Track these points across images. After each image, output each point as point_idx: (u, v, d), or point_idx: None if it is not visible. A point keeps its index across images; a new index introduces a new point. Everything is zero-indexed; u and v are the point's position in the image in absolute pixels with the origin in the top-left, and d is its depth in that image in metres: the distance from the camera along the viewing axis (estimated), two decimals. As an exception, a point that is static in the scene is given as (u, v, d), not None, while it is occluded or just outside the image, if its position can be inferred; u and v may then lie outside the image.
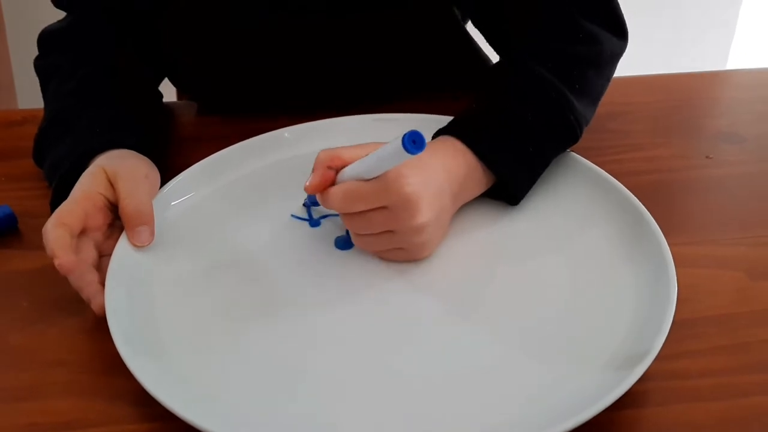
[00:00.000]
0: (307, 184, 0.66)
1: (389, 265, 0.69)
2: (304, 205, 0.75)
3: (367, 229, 0.67)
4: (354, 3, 0.85)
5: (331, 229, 0.74)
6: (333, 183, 0.67)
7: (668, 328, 0.60)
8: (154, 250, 0.70)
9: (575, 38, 0.79)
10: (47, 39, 0.86)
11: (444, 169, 0.69)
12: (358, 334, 0.64)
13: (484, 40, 0.92)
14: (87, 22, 0.86)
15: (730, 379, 0.62)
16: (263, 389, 0.60)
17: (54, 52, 0.85)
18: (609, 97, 0.81)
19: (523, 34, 0.81)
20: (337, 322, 0.65)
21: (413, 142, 0.56)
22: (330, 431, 0.58)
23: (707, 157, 0.85)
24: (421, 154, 0.57)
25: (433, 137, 0.74)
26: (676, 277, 0.64)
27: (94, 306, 0.65)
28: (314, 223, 0.74)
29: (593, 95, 0.79)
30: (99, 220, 0.69)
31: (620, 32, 0.81)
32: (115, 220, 0.71)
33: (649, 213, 0.70)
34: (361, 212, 0.66)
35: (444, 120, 0.76)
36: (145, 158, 0.74)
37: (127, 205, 0.69)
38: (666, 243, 0.67)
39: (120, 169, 0.70)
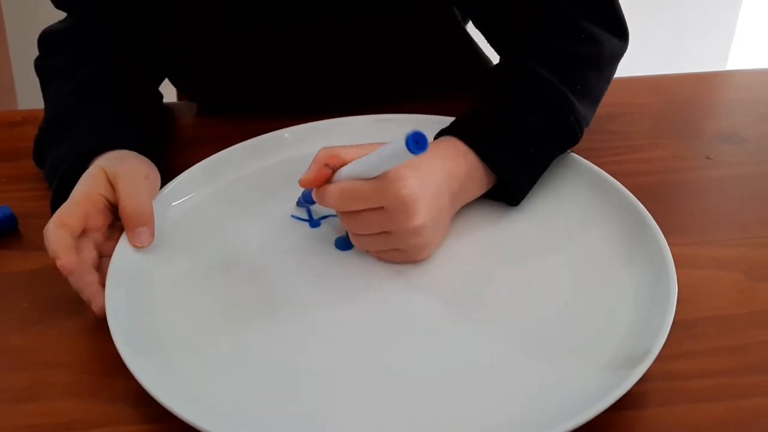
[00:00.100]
0: (302, 177, 0.66)
1: (389, 265, 0.69)
2: (297, 204, 0.75)
3: (364, 229, 0.67)
4: (354, 3, 0.85)
5: (331, 230, 0.74)
6: (328, 181, 0.67)
7: (668, 329, 0.60)
8: (154, 251, 0.70)
9: (575, 39, 0.79)
10: (47, 40, 0.86)
11: (443, 170, 0.68)
12: (358, 334, 0.64)
13: (485, 41, 0.92)
14: (87, 22, 0.86)
15: (729, 380, 0.62)
16: (263, 389, 0.60)
17: (54, 52, 0.85)
18: (609, 98, 0.81)
19: (523, 35, 0.81)
20: (337, 322, 0.65)
21: (416, 143, 0.56)
22: (330, 431, 0.58)
23: (707, 157, 0.85)
24: (421, 155, 0.57)
25: (435, 138, 0.74)
26: (676, 278, 0.64)
27: (94, 307, 0.65)
28: (314, 223, 0.74)
29: (593, 96, 0.79)
30: (99, 220, 0.69)
31: (621, 33, 0.81)
32: (116, 221, 0.71)
33: (649, 214, 0.70)
34: (358, 212, 0.66)
35: (444, 120, 0.76)
36: (146, 159, 0.74)
37: (127, 206, 0.69)
38: (666, 244, 0.67)
39: (120, 169, 0.70)
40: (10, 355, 0.65)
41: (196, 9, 0.85)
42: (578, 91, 0.76)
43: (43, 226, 0.66)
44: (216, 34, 0.87)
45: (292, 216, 0.75)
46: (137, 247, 0.69)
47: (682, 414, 0.60)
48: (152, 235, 0.70)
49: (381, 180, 0.63)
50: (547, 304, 0.66)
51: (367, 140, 0.68)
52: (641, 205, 0.71)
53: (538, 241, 0.72)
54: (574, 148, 0.78)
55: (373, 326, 0.65)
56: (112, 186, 0.70)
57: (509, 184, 0.73)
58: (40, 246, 0.66)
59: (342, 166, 0.66)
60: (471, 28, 0.94)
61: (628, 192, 0.73)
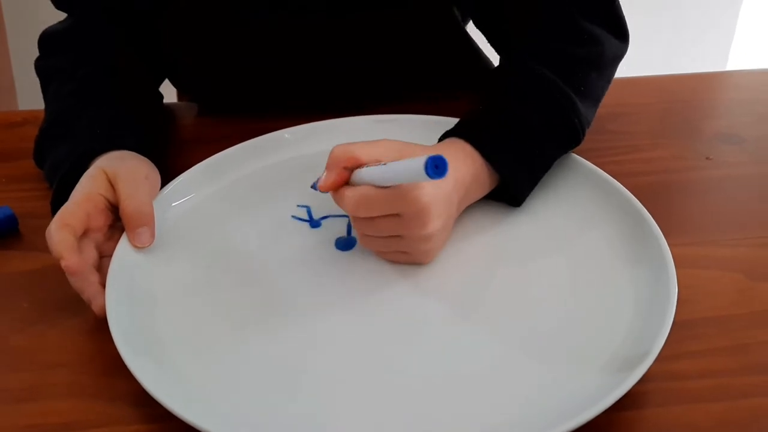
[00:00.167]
0: (321, 183, 0.66)
1: (389, 266, 0.70)
2: (312, 187, 0.72)
3: (375, 232, 0.67)
4: (354, 3, 0.85)
5: (331, 230, 0.74)
6: (347, 181, 0.67)
7: (668, 329, 0.60)
8: (155, 251, 0.70)
9: (576, 39, 0.79)
10: (48, 40, 0.87)
11: (453, 176, 0.68)
12: (358, 335, 0.64)
13: (485, 41, 0.92)
14: (87, 23, 0.86)
15: (729, 380, 0.62)
16: (263, 389, 0.60)
17: (54, 53, 0.85)
18: (609, 98, 0.81)
19: (524, 35, 0.81)
20: (337, 322, 0.65)
21: (436, 167, 0.56)
22: (330, 431, 0.58)
23: (707, 158, 0.85)
24: None
25: (440, 140, 0.74)
26: (676, 278, 0.64)
27: (95, 307, 0.65)
28: (314, 223, 0.74)
29: (594, 96, 0.79)
30: (100, 221, 0.69)
31: (621, 34, 0.81)
32: (116, 222, 0.71)
33: (649, 214, 0.70)
34: (372, 217, 0.66)
35: (445, 121, 0.76)
36: (146, 159, 0.74)
37: (127, 207, 0.69)
38: (666, 244, 0.67)
39: (120, 170, 0.70)
40: (10, 356, 0.65)
41: (196, 9, 0.85)
42: (581, 91, 0.76)
43: (44, 227, 0.67)
44: (216, 34, 0.87)
45: (293, 216, 0.75)
46: (137, 248, 0.69)
47: (682, 414, 0.60)
48: (152, 235, 0.70)
49: (399, 188, 0.63)
50: (547, 304, 0.66)
51: (367, 140, 0.68)
52: (641, 205, 0.71)
53: (538, 241, 0.72)
54: (575, 148, 0.78)
55: (373, 326, 0.65)
56: (112, 186, 0.70)
57: (509, 185, 0.73)
58: (40, 246, 0.66)
59: (359, 166, 0.66)
60: (471, 29, 0.94)
61: (629, 192, 0.73)
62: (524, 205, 0.75)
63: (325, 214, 0.75)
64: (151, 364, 0.60)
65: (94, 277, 0.66)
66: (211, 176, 0.78)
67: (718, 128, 0.90)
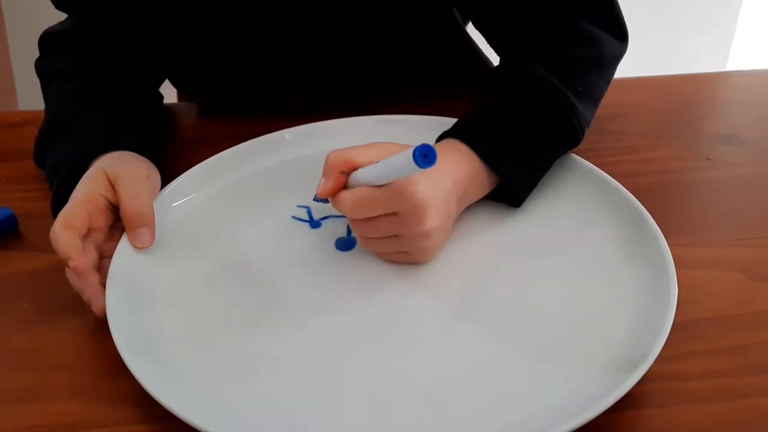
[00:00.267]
0: (320, 189, 0.66)
1: (389, 266, 0.70)
2: (314, 199, 0.72)
3: (374, 233, 0.67)
4: (354, 3, 0.85)
5: (331, 231, 0.74)
6: (345, 186, 0.67)
7: (668, 330, 0.60)
8: (155, 252, 0.70)
9: (576, 40, 0.79)
10: (48, 40, 0.87)
11: (451, 175, 0.68)
12: (358, 335, 0.64)
13: (485, 42, 0.92)
14: (87, 23, 0.86)
15: (729, 380, 0.62)
16: (263, 389, 0.60)
17: (55, 53, 0.85)
18: (608, 99, 0.82)
19: (523, 35, 0.82)
20: (337, 322, 0.65)
21: (424, 156, 0.56)
22: (330, 431, 0.58)
23: (707, 158, 0.85)
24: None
25: (438, 140, 0.74)
26: (676, 278, 0.64)
27: (95, 307, 0.65)
28: (314, 224, 0.74)
29: (594, 97, 0.79)
30: (101, 221, 0.69)
31: (620, 35, 0.82)
32: (116, 222, 0.71)
33: (649, 214, 0.70)
34: (370, 218, 0.66)
35: (445, 121, 0.76)
36: (146, 160, 0.74)
37: (127, 207, 0.69)
38: (666, 244, 0.67)
39: (121, 171, 0.70)
40: (11, 356, 0.65)
41: (196, 9, 0.85)
42: (579, 92, 0.76)
43: (44, 227, 0.67)
44: (216, 35, 0.87)
45: (293, 217, 0.75)
46: (138, 248, 0.69)
47: (683, 414, 0.60)
48: (153, 235, 0.70)
49: (394, 186, 0.63)
50: (547, 304, 0.66)
51: (368, 141, 0.68)
52: (641, 205, 0.71)
53: (539, 241, 0.72)
54: (575, 149, 0.78)
55: (373, 326, 0.65)
56: (112, 187, 0.70)
57: (509, 185, 0.73)
58: (40, 246, 0.67)
59: (356, 169, 0.66)
60: (471, 29, 0.94)
61: (629, 192, 0.73)
62: (525, 205, 0.75)
63: (325, 215, 0.75)
64: (151, 364, 0.60)
65: (95, 278, 0.66)
66: (212, 177, 0.78)
67: (718, 129, 0.90)
